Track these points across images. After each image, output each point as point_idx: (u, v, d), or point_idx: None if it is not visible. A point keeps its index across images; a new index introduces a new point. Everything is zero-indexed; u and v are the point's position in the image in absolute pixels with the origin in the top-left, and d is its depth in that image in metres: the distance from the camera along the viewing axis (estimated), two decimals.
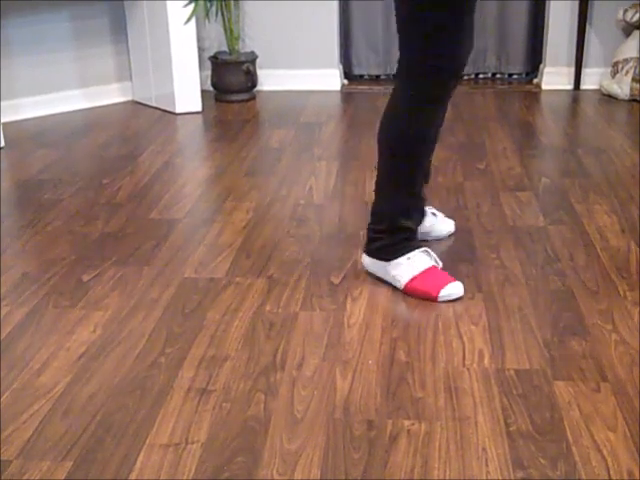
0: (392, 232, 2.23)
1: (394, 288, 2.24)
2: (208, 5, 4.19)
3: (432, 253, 2.26)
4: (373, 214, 2.27)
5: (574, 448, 1.60)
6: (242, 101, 4.36)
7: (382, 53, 4.76)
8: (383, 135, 2.18)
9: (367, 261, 2.31)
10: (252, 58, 4.37)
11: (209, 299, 2.22)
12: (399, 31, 2.12)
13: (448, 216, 2.66)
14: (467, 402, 1.75)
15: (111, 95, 4.39)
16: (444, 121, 2.19)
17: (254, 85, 4.41)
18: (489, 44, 4.69)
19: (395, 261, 2.22)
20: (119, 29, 4.31)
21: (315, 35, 4.50)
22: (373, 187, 2.25)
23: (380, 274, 2.28)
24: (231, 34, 4.32)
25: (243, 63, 4.31)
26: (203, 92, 4.28)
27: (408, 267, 2.21)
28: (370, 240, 2.28)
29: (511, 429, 1.66)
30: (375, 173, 2.23)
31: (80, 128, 3.93)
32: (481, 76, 4.77)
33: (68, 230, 2.70)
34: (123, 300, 2.22)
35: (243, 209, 2.85)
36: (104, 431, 1.67)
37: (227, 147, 3.57)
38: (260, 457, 1.59)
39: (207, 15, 4.24)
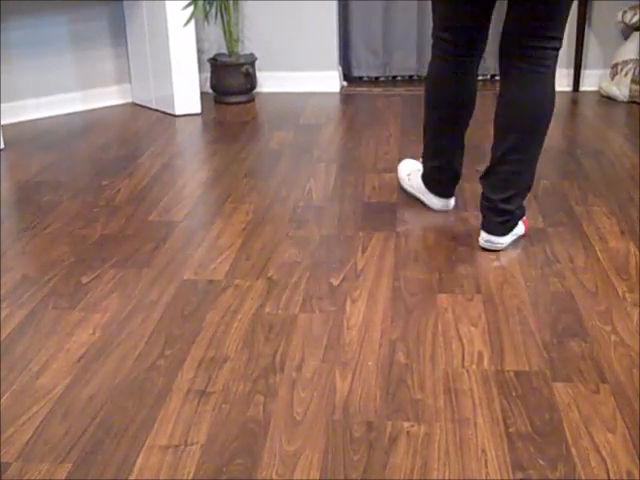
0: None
1: (394, 289, 2.25)
2: (207, 7, 4.19)
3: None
4: (525, 190, 2.48)
5: (573, 449, 1.60)
6: (241, 103, 4.36)
7: (381, 55, 4.76)
8: (546, 114, 2.40)
9: (506, 240, 2.50)
10: (251, 60, 4.37)
11: (208, 301, 2.22)
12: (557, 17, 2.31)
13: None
14: (466, 404, 1.75)
15: (110, 97, 4.39)
16: None
17: (253, 87, 4.41)
18: (488, 46, 4.67)
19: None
20: (118, 31, 4.32)
21: (314, 37, 4.50)
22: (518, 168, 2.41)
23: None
24: (230, 36, 4.32)
25: (242, 65, 4.31)
26: (202, 94, 4.29)
27: None
28: (506, 220, 2.47)
29: (510, 430, 1.66)
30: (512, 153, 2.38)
31: (80, 130, 3.93)
32: (480, 78, 4.77)
33: (67, 232, 2.70)
34: (122, 302, 2.22)
35: (242, 211, 2.85)
36: (103, 433, 1.67)
37: (226, 149, 3.57)
38: (259, 459, 1.59)
39: (206, 17, 4.24)
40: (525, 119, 2.36)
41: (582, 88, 4.44)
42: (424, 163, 2.76)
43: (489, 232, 2.47)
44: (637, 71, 4.12)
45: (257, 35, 4.52)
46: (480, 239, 2.49)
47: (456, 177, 2.72)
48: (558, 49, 2.36)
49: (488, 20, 2.47)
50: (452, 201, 2.80)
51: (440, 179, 2.73)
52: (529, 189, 2.48)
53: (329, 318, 2.11)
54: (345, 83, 4.72)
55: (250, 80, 4.36)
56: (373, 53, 4.76)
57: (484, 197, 2.47)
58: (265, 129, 3.89)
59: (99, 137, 3.80)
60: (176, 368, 1.90)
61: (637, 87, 4.13)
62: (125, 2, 4.23)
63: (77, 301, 2.23)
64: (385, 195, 2.96)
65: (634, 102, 4.18)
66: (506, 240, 2.48)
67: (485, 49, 2.55)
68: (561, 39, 2.35)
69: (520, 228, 2.53)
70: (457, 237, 2.59)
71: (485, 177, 2.48)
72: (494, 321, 2.08)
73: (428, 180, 2.77)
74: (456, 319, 2.09)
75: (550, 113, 2.39)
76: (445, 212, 2.79)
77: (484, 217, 2.48)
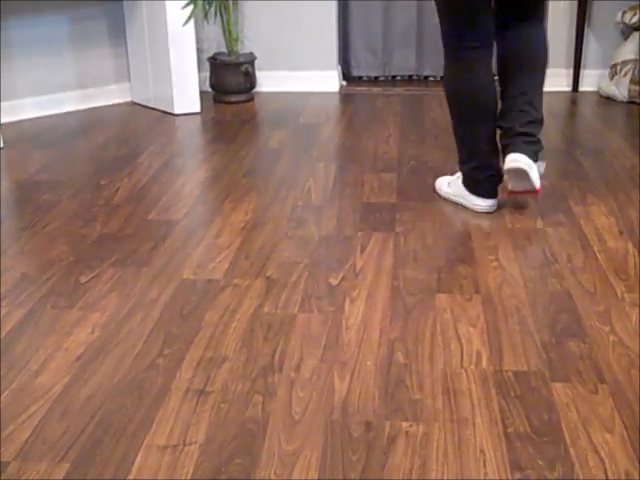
0: None
1: (393, 289, 2.25)
2: (207, 6, 4.19)
3: None
4: (539, 121, 2.77)
5: (572, 450, 1.60)
6: (241, 102, 4.36)
7: (381, 55, 4.76)
8: (543, 52, 2.80)
9: (532, 164, 2.66)
10: (251, 59, 4.37)
11: (207, 300, 2.22)
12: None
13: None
14: (465, 404, 1.75)
15: (110, 96, 4.39)
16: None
17: (253, 86, 4.41)
18: None
19: None
20: (118, 31, 4.31)
21: (314, 36, 4.50)
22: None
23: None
24: (230, 35, 4.32)
25: (242, 64, 4.31)
26: (202, 93, 4.28)
27: None
28: (530, 141, 2.70)
29: (509, 431, 1.66)
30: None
31: (79, 129, 3.93)
32: None
33: (66, 231, 2.70)
34: (121, 301, 2.22)
35: (242, 210, 2.85)
36: (102, 432, 1.67)
37: (226, 148, 3.57)
38: (258, 458, 1.59)
39: (206, 16, 4.24)
40: (528, 57, 2.70)
41: (581, 88, 4.44)
42: (461, 167, 2.80)
43: (515, 151, 2.60)
44: (636, 71, 4.13)
45: (256, 34, 4.52)
46: (506, 162, 2.63)
47: (494, 175, 2.75)
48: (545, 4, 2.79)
49: (489, 9, 2.60)
50: (495, 202, 2.79)
51: (479, 178, 2.75)
52: (542, 122, 2.73)
53: (328, 318, 2.11)
54: (344, 83, 4.72)
55: (249, 79, 4.36)
56: (372, 53, 4.76)
57: (504, 133, 2.69)
58: (264, 128, 3.89)
59: (98, 136, 3.80)
60: (175, 367, 1.90)
61: (636, 87, 4.13)
62: (125, 2, 4.23)
63: (76, 300, 2.23)
64: (384, 195, 2.95)
65: (633, 102, 4.18)
66: (531, 164, 2.61)
67: (493, 42, 2.64)
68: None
69: (537, 177, 2.66)
70: (456, 237, 2.59)
71: (502, 117, 2.70)
72: (493, 321, 2.08)
73: (469, 182, 2.78)
74: (455, 319, 2.09)
75: (545, 52, 2.77)
76: (444, 212, 2.79)
77: (508, 146, 2.66)
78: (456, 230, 2.64)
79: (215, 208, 2.88)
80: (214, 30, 4.48)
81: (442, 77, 2.79)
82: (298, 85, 4.57)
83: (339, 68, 4.66)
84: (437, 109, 4.14)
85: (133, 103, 4.41)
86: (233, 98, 4.36)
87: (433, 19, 4.55)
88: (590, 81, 4.44)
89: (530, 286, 2.26)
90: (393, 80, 4.83)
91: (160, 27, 4.01)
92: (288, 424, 1.69)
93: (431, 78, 4.80)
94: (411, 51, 4.75)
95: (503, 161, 2.69)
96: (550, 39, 4.39)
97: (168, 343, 2.01)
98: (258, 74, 4.51)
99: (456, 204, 2.83)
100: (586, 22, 4.32)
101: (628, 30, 4.27)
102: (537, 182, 2.65)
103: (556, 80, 4.47)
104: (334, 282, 2.31)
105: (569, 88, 4.46)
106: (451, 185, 2.87)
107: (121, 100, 4.43)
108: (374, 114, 4.10)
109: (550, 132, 3.72)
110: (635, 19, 4.12)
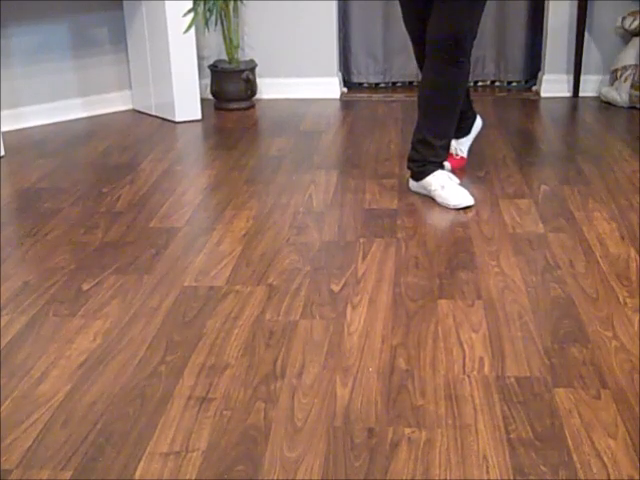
0: None
1: (394, 295, 2.25)
2: (207, 14, 4.20)
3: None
4: None
5: (575, 455, 1.59)
6: (242, 109, 4.37)
7: (381, 61, 4.77)
8: None
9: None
10: (252, 66, 4.38)
11: (209, 307, 2.22)
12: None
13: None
14: (467, 409, 1.75)
15: (111, 104, 4.40)
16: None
17: (253, 93, 4.42)
18: (488, 52, 4.70)
19: None
20: (119, 38, 4.32)
21: (314, 43, 4.51)
22: None
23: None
24: (230, 43, 4.33)
25: (243, 71, 4.32)
26: (203, 100, 4.29)
27: None
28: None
29: (512, 436, 1.65)
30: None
31: (80, 137, 3.94)
32: (480, 84, 4.78)
33: (68, 239, 2.71)
34: (123, 309, 2.22)
35: (243, 217, 2.85)
36: (104, 440, 1.67)
37: (227, 155, 3.58)
38: (260, 465, 1.59)
39: (206, 24, 4.25)
40: None
41: (582, 94, 4.45)
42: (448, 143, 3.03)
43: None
44: (637, 76, 4.13)
45: (257, 41, 4.53)
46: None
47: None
48: None
49: None
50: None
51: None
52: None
53: (330, 324, 2.11)
54: (345, 89, 4.72)
55: (250, 86, 4.36)
56: (373, 59, 4.77)
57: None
58: (265, 135, 3.90)
59: (100, 144, 3.81)
60: (177, 375, 1.90)
61: (637, 92, 4.13)
62: (125, 9, 4.24)
63: (78, 308, 2.23)
64: (385, 201, 2.96)
65: (634, 107, 4.18)
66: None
67: None
68: None
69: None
70: (457, 243, 2.59)
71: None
72: (495, 327, 2.08)
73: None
74: (457, 325, 2.09)
75: None
76: (445, 218, 2.79)
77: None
78: (457, 236, 2.64)
79: (216, 215, 2.89)
80: (215, 37, 4.49)
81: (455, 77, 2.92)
82: (299, 92, 4.58)
83: (340, 75, 4.66)
84: None
85: (134, 111, 4.42)
86: (234, 105, 4.36)
87: None
88: (590, 86, 4.44)
89: (532, 291, 2.26)
90: (394, 86, 4.84)
91: (161, 35, 4.02)
92: (290, 431, 1.69)
93: None
94: (411, 57, 4.71)
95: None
96: (550, 45, 4.43)
97: (170, 350, 2.01)
98: (259, 81, 4.51)
99: (457, 210, 2.83)
100: (586, 27, 4.33)
101: (628, 35, 4.28)
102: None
103: (557, 86, 4.48)
104: (336, 288, 2.31)
105: (570, 94, 4.47)
106: (445, 187, 2.91)
107: (122, 108, 4.44)
108: (375, 120, 4.11)
109: (551, 138, 3.73)
110: (635, 24, 4.13)
